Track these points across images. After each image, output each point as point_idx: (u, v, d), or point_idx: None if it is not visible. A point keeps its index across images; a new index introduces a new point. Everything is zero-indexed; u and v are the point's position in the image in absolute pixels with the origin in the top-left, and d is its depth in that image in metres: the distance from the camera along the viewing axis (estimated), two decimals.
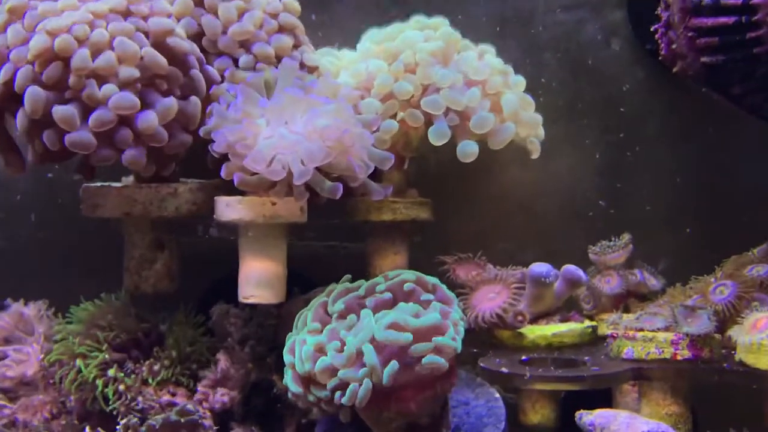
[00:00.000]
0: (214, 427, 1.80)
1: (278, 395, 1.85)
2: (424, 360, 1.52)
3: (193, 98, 1.77)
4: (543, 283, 1.92)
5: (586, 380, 1.68)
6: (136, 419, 1.63)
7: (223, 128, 1.74)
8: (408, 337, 1.51)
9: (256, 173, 1.73)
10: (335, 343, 1.58)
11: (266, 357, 1.89)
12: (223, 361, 1.88)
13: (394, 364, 1.50)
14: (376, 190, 1.87)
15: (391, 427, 1.63)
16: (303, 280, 1.97)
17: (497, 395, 1.78)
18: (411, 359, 1.54)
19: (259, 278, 1.79)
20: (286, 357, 1.63)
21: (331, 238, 2.16)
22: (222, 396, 1.84)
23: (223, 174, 1.76)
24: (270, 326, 1.93)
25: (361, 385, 1.51)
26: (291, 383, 1.61)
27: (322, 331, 1.63)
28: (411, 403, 1.59)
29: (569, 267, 1.95)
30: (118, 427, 1.63)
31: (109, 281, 2.00)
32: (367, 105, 1.89)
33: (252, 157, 1.70)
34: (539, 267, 1.92)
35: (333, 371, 1.54)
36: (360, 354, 1.53)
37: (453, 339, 1.55)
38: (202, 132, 1.79)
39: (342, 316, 1.65)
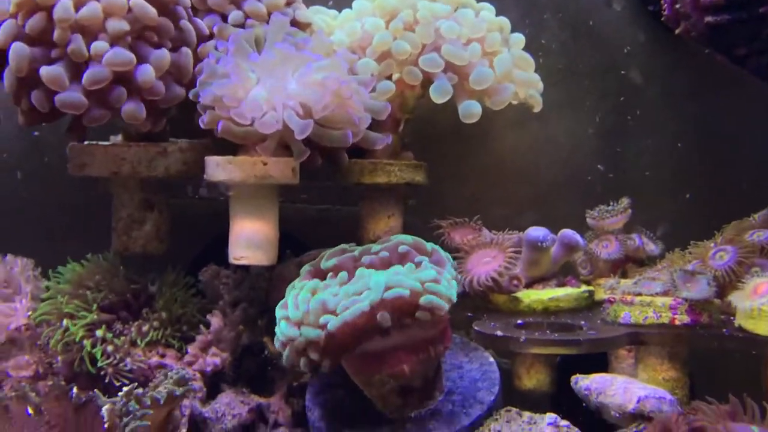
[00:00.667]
0: (204, 389, 1.80)
1: (269, 358, 1.85)
2: (422, 299, 1.50)
3: (185, 49, 1.75)
4: (539, 248, 1.90)
5: (582, 345, 1.66)
6: (139, 388, 1.60)
7: (213, 83, 1.71)
8: (405, 292, 1.50)
9: (242, 125, 1.70)
10: (331, 289, 1.57)
11: (257, 320, 1.88)
12: (215, 322, 1.87)
13: (401, 290, 1.49)
14: (379, 137, 1.84)
15: (384, 390, 1.62)
16: (295, 243, 1.96)
17: (491, 359, 1.77)
18: (406, 320, 1.53)
19: (250, 239, 1.77)
20: (279, 312, 1.60)
21: (324, 200, 2.15)
22: (213, 357, 1.83)
23: (203, 122, 1.73)
24: (261, 289, 1.92)
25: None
26: (285, 328, 1.58)
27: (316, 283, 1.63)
28: (404, 366, 1.58)
29: (566, 231, 1.94)
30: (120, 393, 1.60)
31: (97, 242, 1.98)
32: (363, 65, 1.86)
33: (246, 105, 1.67)
34: (536, 231, 1.90)
35: (325, 309, 1.53)
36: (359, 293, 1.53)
37: (447, 290, 1.55)
38: (190, 95, 1.77)
39: (335, 273, 1.64)
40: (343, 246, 1.71)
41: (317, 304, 1.53)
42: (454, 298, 1.57)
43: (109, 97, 1.66)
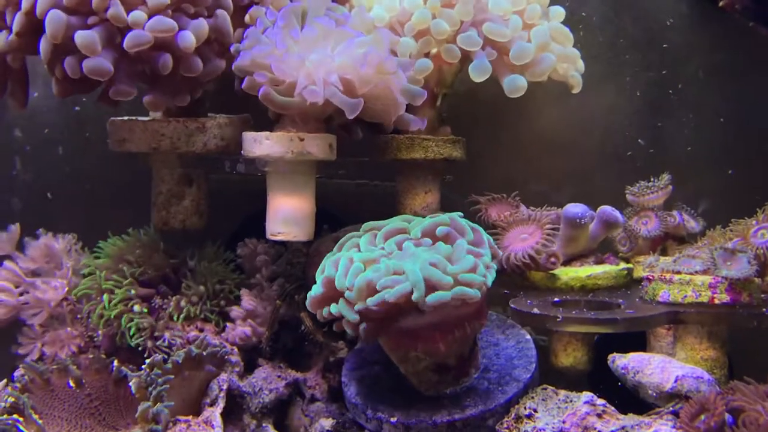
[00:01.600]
0: (241, 363, 1.82)
1: (306, 333, 1.86)
2: (453, 291, 1.50)
3: (221, 11, 1.74)
4: (578, 224, 1.90)
5: (619, 323, 1.65)
6: (161, 356, 1.64)
7: (254, 47, 1.71)
8: (449, 280, 1.50)
9: (284, 95, 1.70)
10: (382, 262, 1.57)
11: (295, 295, 1.90)
12: (249, 298, 1.89)
13: (444, 294, 1.49)
14: (413, 119, 1.84)
15: (419, 367, 1.63)
16: (332, 219, 1.97)
17: (528, 336, 1.77)
18: None
19: (287, 215, 1.79)
20: (329, 269, 1.60)
21: (361, 176, 2.16)
22: (244, 328, 1.85)
23: (244, 86, 1.73)
24: (299, 264, 1.95)
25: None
26: (317, 287, 1.60)
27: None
28: (439, 344, 1.59)
29: (605, 208, 1.93)
30: (143, 366, 1.63)
31: (137, 216, 2.01)
32: (404, 45, 1.84)
33: (289, 62, 1.67)
34: (574, 207, 1.90)
35: (370, 287, 1.53)
36: (400, 272, 1.53)
37: (483, 276, 1.55)
38: (232, 49, 1.76)
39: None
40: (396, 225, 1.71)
41: (363, 281, 1.52)
42: (490, 283, 1.56)
43: (142, 67, 1.68)
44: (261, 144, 1.75)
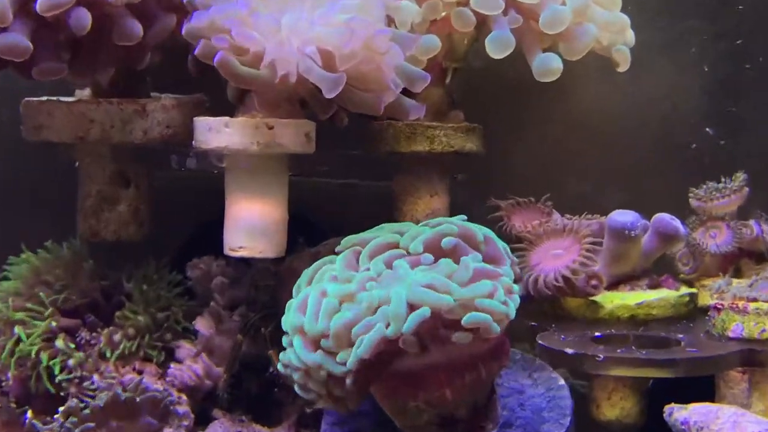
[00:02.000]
0: (191, 416, 1.80)
1: (276, 377, 1.84)
2: (465, 318, 1.48)
3: None
4: (627, 237, 1.89)
5: (678, 365, 1.64)
6: (79, 402, 1.63)
7: (212, 6, 1.69)
8: (449, 300, 1.48)
9: (249, 65, 1.68)
10: (363, 295, 1.55)
11: (261, 327, 1.88)
12: (205, 329, 1.88)
13: (423, 311, 1.47)
14: (412, 106, 1.82)
15: (420, 421, 1.61)
16: (311, 229, 1.97)
17: (562, 382, 1.75)
18: (447, 331, 1.52)
19: (251, 225, 1.77)
20: (294, 318, 1.58)
21: (349, 174, 2.16)
22: (195, 369, 1.85)
23: (197, 52, 1.70)
24: (266, 288, 1.93)
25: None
26: (300, 351, 1.56)
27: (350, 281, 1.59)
28: (445, 390, 1.57)
29: (662, 216, 1.93)
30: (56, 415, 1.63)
31: (59, 226, 2.01)
32: (404, 9, 1.82)
33: (259, 25, 1.65)
34: (622, 215, 1.90)
35: (351, 329, 1.51)
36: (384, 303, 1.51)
37: (504, 303, 1.53)
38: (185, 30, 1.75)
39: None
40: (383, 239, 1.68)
41: (341, 324, 1.50)
42: (512, 313, 1.55)
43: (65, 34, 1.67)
44: (218, 133, 1.73)
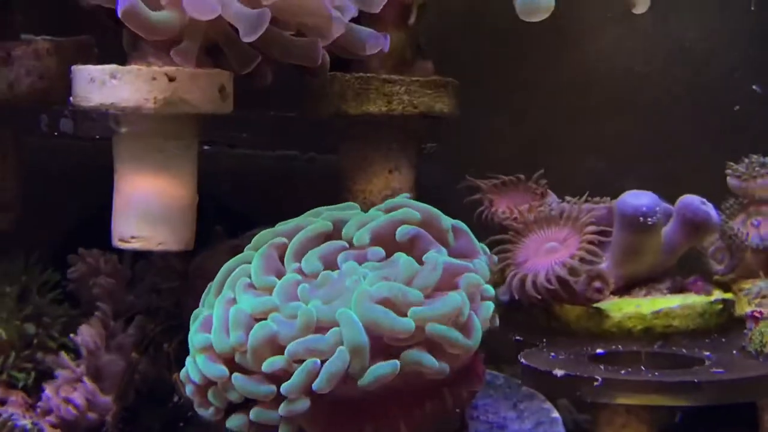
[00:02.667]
0: None
1: (183, 407, 1.85)
2: (404, 356, 1.48)
3: None
4: (642, 226, 1.90)
5: (701, 390, 1.64)
6: None
7: None
8: (409, 326, 1.47)
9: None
10: (292, 306, 1.54)
11: (163, 343, 1.90)
12: (87, 345, 1.86)
13: (391, 368, 1.47)
14: (369, 35, 1.83)
15: None
16: (230, 216, 1.98)
17: (555, 414, 1.76)
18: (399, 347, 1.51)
19: (147, 208, 1.77)
20: (196, 335, 1.58)
21: (282, 144, 2.18)
22: (74, 396, 1.83)
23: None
24: (170, 292, 1.94)
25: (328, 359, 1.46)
26: (204, 365, 1.56)
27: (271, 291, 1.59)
28: (399, 423, 1.57)
29: (690, 199, 1.94)
30: None
31: None
32: None
33: None
34: (636, 198, 1.91)
35: (274, 344, 1.50)
36: (328, 324, 1.49)
37: (466, 327, 1.52)
38: None
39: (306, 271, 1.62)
40: (300, 221, 1.69)
41: (263, 335, 1.50)
42: (474, 346, 1.53)
43: None
44: (104, 86, 1.72)
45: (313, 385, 1.44)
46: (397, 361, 1.46)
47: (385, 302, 1.48)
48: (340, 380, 1.48)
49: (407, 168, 2.01)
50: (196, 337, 1.57)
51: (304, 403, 1.47)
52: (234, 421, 1.55)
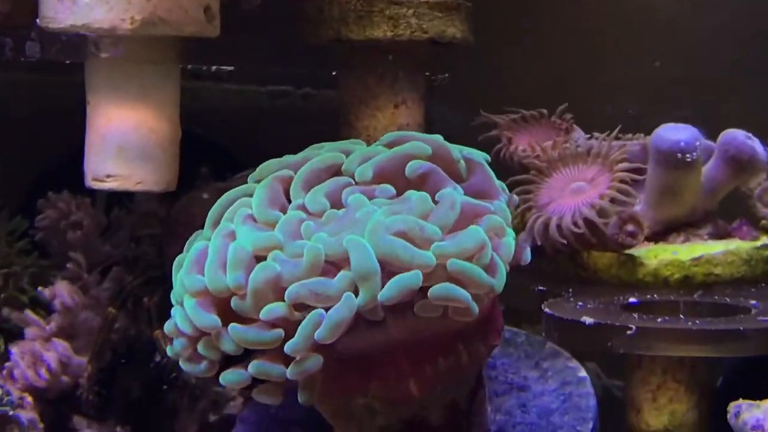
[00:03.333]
0: (40, 425, 1.77)
1: (165, 369, 1.84)
2: (432, 291, 1.41)
3: None
4: (680, 163, 1.87)
5: (747, 340, 1.61)
6: None
7: None
8: (429, 259, 1.41)
9: None
10: (297, 244, 1.48)
11: (143, 297, 1.86)
12: (63, 298, 1.84)
13: (412, 279, 1.39)
14: None
15: (373, 428, 1.55)
16: (218, 155, 1.99)
17: (581, 374, 1.71)
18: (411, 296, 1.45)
19: (124, 143, 1.74)
20: (187, 278, 1.50)
21: (276, 78, 2.17)
22: (46, 356, 1.81)
23: None
24: (151, 240, 1.92)
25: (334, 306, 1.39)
26: (198, 316, 1.48)
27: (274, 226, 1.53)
28: (408, 382, 1.50)
29: (734, 134, 1.92)
30: None
31: None
32: None
33: None
34: (673, 132, 1.88)
35: (280, 289, 1.43)
36: (341, 260, 1.43)
37: (490, 267, 1.45)
38: None
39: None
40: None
41: (264, 276, 1.43)
42: (500, 287, 1.48)
43: None
44: (75, 5, 1.69)
45: (315, 334, 1.38)
46: (419, 272, 1.39)
47: (402, 236, 1.42)
48: (346, 329, 1.43)
49: (415, 102, 2.00)
50: (188, 279, 1.50)
51: (316, 360, 1.41)
52: (230, 376, 1.48)
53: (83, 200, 1.92)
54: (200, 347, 1.47)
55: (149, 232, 1.92)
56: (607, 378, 1.91)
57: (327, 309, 1.38)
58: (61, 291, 1.85)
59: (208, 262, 1.47)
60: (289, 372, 1.40)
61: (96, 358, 1.83)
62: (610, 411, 1.70)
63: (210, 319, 1.44)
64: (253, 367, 1.43)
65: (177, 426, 1.87)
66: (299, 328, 1.38)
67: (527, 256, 1.54)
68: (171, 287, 1.56)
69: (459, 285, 1.41)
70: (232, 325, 1.42)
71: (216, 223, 1.57)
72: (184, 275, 1.50)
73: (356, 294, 1.38)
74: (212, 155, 1.93)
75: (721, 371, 1.85)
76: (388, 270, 1.39)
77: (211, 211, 1.59)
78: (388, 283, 1.39)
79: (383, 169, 1.54)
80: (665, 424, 1.78)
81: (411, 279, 1.38)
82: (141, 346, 1.86)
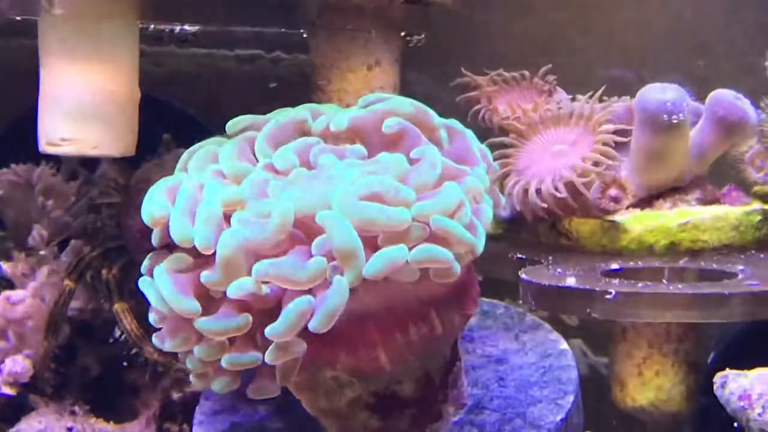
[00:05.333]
0: None
1: (126, 344, 1.83)
2: (413, 253, 1.42)
3: None
4: (666, 125, 1.88)
5: (731, 303, 1.61)
6: None
7: None
8: (405, 217, 1.43)
9: None
10: (264, 203, 1.49)
11: (102, 269, 1.87)
12: (13, 273, 1.87)
13: (396, 254, 1.41)
14: None
15: (342, 402, 1.59)
16: (181, 121, 2.02)
17: (562, 346, 1.75)
18: None
19: (79, 105, 1.77)
20: (155, 206, 1.51)
21: (246, 42, 2.19)
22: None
23: None
24: (110, 209, 1.92)
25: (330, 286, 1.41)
26: (174, 298, 1.47)
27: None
28: (378, 352, 1.53)
29: (722, 94, 1.93)
30: None
31: None
32: None
33: None
34: (660, 91, 1.88)
35: (251, 255, 1.45)
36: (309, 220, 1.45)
37: (470, 226, 1.48)
38: None
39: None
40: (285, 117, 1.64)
41: (236, 243, 1.43)
42: (480, 246, 1.50)
43: None
44: None
45: (310, 324, 1.40)
46: (405, 246, 1.41)
47: (377, 199, 1.43)
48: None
49: (390, 63, 2.03)
50: (157, 207, 1.51)
51: (300, 346, 1.43)
52: (218, 385, 1.54)
53: (42, 168, 1.94)
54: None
55: (107, 200, 1.92)
56: (593, 355, 1.92)
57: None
58: (6, 268, 1.89)
59: (175, 206, 1.48)
60: (269, 358, 1.42)
61: (52, 334, 1.84)
62: (596, 389, 1.75)
63: (190, 305, 1.44)
64: (225, 361, 1.44)
65: (139, 404, 1.89)
66: (283, 313, 1.39)
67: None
68: (131, 259, 1.61)
69: (440, 244, 1.43)
70: (200, 318, 1.43)
71: (184, 166, 1.60)
72: (154, 203, 1.51)
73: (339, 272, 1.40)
74: (177, 122, 1.95)
75: (712, 346, 1.88)
76: (366, 236, 1.41)
77: (182, 158, 1.62)
78: (372, 259, 1.40)
79: (360, 122, 1.57)
80: (651, 400, 1.81)
81: (396, 253, 1.40)
82: (100, 322, 1.89)
